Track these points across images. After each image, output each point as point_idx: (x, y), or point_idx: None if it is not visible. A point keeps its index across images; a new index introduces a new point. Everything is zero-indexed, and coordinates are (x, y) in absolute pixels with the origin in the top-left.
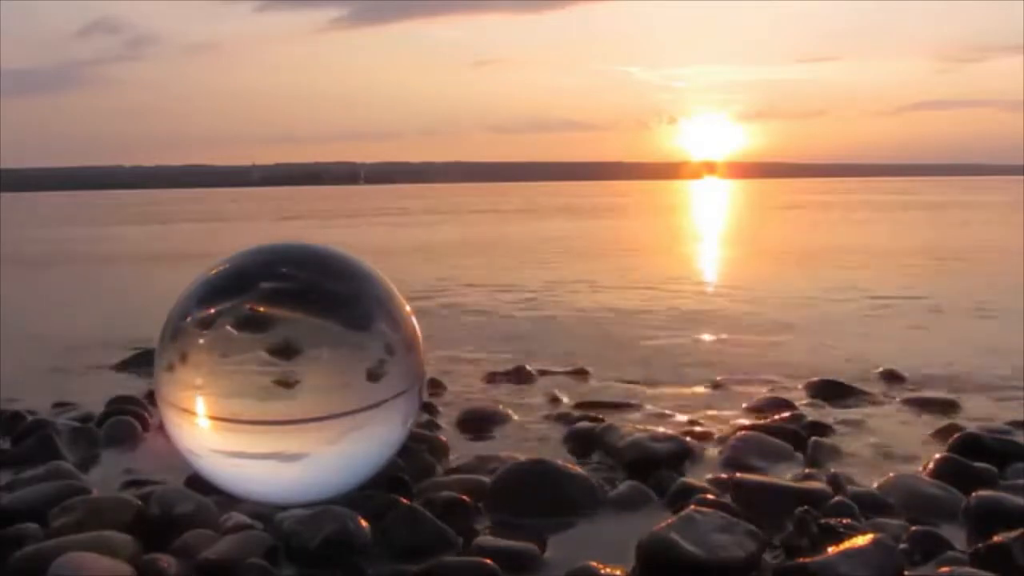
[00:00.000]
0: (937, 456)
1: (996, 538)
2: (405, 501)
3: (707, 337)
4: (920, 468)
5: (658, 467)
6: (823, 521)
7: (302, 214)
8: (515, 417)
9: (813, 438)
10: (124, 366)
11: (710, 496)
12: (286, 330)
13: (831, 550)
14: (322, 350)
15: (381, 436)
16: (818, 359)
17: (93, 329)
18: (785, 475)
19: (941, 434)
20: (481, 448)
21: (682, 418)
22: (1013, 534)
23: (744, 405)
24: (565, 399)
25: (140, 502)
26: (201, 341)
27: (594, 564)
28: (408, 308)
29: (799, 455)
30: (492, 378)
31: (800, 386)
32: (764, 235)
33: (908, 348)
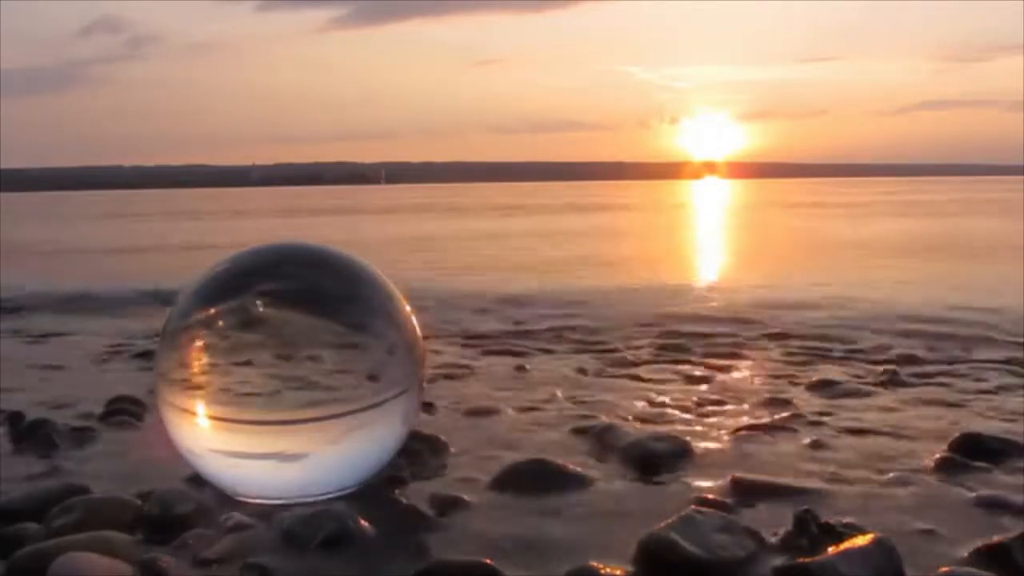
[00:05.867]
0: (937, 455)
1: (996, 538)
2: (405, 501)
3: (707, 335)
4: (920, 467)
5: (658, 466)
6: (823, 521)
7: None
8: (515, 415)
9: (813, 437)
10: (125, 364)
11: (710, 496)
12: (286, 330)
13: (831, 550)
14: (322, 350)
15: (381, 436)
16: (818, 357)
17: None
18: (785, 475)
19: (941, 433)
20: (480, 446)
21: (682, 416)
22: (1013, 534)
23: (744, 404)
24: (565, 398)
25: (140, 502)
26: (201, 341)
27: (593, 564)
28: (408, 308)
29: (800, 454)
30: (492, 375)
31: (800, 385)
32: (772, 232)
33: (908, 346)
